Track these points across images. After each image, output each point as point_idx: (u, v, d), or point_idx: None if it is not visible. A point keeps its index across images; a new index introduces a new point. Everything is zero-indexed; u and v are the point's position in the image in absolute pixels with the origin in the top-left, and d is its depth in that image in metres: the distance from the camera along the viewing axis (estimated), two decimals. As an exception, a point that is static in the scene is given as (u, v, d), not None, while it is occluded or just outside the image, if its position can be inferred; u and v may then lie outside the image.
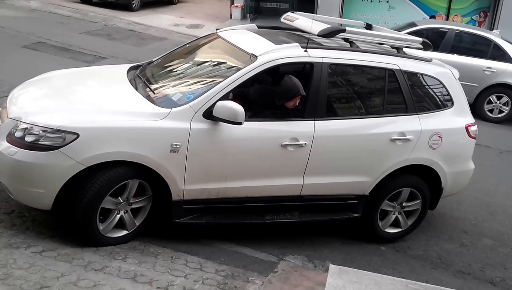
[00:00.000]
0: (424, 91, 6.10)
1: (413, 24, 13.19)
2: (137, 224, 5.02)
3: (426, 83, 6.03)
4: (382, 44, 6.12)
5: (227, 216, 5.30)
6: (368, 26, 6.67)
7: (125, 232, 4.98)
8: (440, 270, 5.94)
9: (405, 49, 6.10)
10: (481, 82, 12.29)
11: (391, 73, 5.72)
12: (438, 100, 6.12)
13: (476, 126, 6.26)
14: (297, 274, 5.12)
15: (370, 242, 6.14)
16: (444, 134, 5.90)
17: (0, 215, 5.06)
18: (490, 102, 12.52)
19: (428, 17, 18.45)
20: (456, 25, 14.40)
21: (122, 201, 4.81)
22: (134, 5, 19.85)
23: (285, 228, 5.92)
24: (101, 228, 4.77)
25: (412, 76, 5.89)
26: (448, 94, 6.06)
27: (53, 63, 10.20)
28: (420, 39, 6.06)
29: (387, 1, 19.27)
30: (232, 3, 20.33)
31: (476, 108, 12.43)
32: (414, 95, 5.84)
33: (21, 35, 13.03)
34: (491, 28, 17.51)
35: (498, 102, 12.51)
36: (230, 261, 5.12)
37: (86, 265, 4.42)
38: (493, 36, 12.74)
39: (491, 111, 12.60)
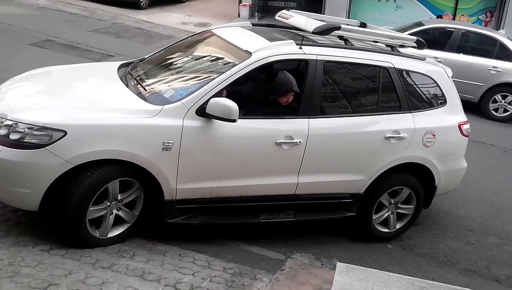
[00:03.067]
0: (417, 89, 6.09)
1: (420, 24, 13.23)
2: (136, 214, 4.91)
3: (419, 81, 6.01)
4: (377, 42, 6.13)
5: (221, 216, 5.19)
6: (363, 25, 6.67)
7: (127, 225, 4.89)
8: (446, 268, 5.95)
9: (402, 48, 6.10)
10: (486, 81, 12.34)
11: (385, 71, 5.71)
12: (431, 98, 6.12)
13: (468, 124, 6.26)
14: (305, 272, 5.11)
15: (373, 241, 6.15)
16: (437, 132, 5.89)
17: (7, 213, 5.04)
18: (495, 101, 12.55)
19: (435, 17, 18.38)
20: (462, 24, 14.39)
21: (109, 203, 4.67)
22: (142, 3, 19.84)
23: (291, 227, 5.89)
24: (97, 234, 4.69)
25: (406, 74, 5.89)
26: (441, 92, 6.06)
27: (60, 60, 10.18)
28: (414, 38, 6.07)
29: (394, 1, 19.19)
30: (240, 1, 20.31)
31: (481, 107, 12.54)
32: (408, 93, 5.84)
33: (28, 32, 13.10)
34: (497, 27, 17.45)
35: (503, 101, 12.53)
36: (237, 259, 5.10)
37: (94, 263, 4.41)
38: (499, 35, 12.76)
39: (496, 110, 12.63)
